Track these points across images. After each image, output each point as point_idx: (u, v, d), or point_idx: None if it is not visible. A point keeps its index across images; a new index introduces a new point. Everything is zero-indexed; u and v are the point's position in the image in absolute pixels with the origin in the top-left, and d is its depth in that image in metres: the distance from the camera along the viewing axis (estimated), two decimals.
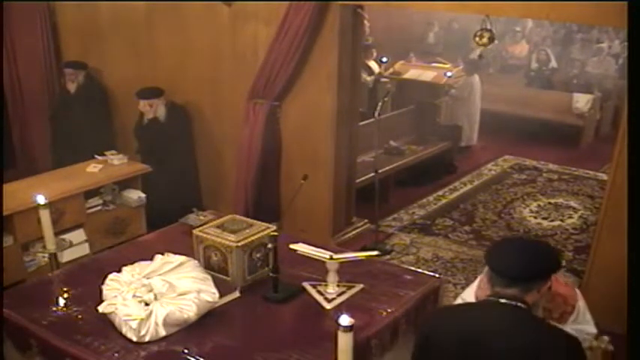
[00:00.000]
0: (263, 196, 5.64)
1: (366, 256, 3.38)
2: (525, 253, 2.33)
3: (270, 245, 3.14)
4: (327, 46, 5.12)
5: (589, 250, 4.86)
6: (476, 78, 8.58)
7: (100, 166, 5.53)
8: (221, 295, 3.07)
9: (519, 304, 2.24)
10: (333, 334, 2.46)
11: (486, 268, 2.39)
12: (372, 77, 8.24)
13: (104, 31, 6.41)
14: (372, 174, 5.73)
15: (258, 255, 3.29)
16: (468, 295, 2.90)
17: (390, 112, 7.75)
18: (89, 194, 5.32)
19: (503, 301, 2.26)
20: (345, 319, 2.38)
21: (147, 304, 2.89)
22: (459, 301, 2.97)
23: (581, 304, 2.85)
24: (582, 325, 2.88)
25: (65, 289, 3.27)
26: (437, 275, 3.56)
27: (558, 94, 9.75)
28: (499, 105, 9.32)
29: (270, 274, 3.19)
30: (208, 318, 2.98)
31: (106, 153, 5.66)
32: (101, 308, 2.93)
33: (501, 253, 2.36)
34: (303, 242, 3.42)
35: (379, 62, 8.36)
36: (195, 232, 3.36)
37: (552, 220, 6.58)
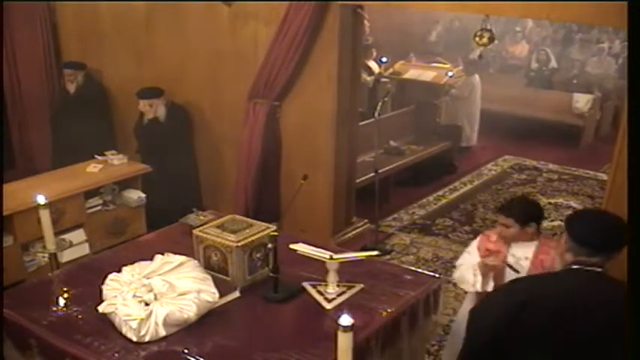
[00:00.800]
0: (263, 196, 5.64)
1: (366, 256, 3.38)
2: (608, 224, 2.48)
3: (270, 245, 3.14)
4: (327, 46, 5.12)
5: None
6: (476, 78, 8.58)
7: (100, 166, 5.54)
8: (221, 295, 3.07)
9: (602, 270, 2.41)
10: (333, 334, 2.46)
11: (565, 237, 2.48)
12: (372, 77, 8.23)
13: (104, 32, 6.41)
14: (372, 174, 5.73)
15: (258, 255, 3.29)
16: (473, 249, 3.35)
17: (390, 112, 7.75)
18: (89, 194, 5.32)
19: (589, 269, 2.41)
20: (345, 319, 2.38)
21: (147, 304, 2.89)
22: (465, 256, 3.41)
23: None
24: None
25: (65, 289, 3.27)
26: (437, 275, 3.56)
27: (558, 94, 9.75)
28: (499, 105, 9.32)
29: (270, 274, 3.19)
30: (208, 318, 2.98)
31: (106, 153, 5.66)
32: (101, 308, 2.93)
33: (585, 225, 2.49)
34: (303, 242, 3.42)
35: (379, 62, 8.36)
36: (195, 232, 3.36)
37: (552, 220, 6.57)
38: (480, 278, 3.29)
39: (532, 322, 2.36)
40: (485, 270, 3.29)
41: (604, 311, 2.34)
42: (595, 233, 2.44)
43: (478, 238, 3.58)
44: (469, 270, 3.35)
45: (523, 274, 3.21)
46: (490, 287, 3.27)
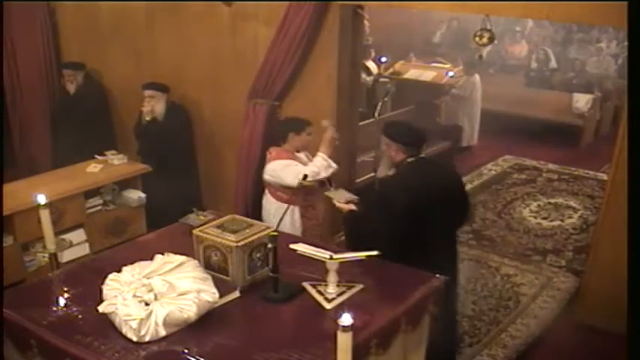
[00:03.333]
0: (263, 196, 5.63)
1: (366, 256, 3.38)
2: (414, 127, 3.90)
3: (270, 245, 3.13)
4: (327, 46, 5.12)
5: (589, 250, 4.87)
6: (476, 78, 8.59)
7: (100, 166, 5.54)
8: (221, 295, 3.06)
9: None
10: (333, 334, 2.46)
11: (392, 145, 3.75)
12: (371, 77, 8.23)
13: (104, 31, 6.42)
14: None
15: (258, 255, 3.28)
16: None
17: (390, 112, 7.75)
18: (89, 194, 5.32)
19: (423, 156, 3.87)
20: (345, 319, 2.37)
21: (147, 304, 2.89)
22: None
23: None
24: None
25: (65, 289, 3.26)
26: (437, 275, 3.56)
27: (558, 94, 9.75)
28: (499, 105, 9.32)
29: (270, 274, 3.19)
30: (208, 318, 2.97)
31: (106, 153, 5.67)
32: (101, 308, 2.93)
33: (405, 131, 3.82)
34: (303, 242, 3.42)
35: (377, 62, 8.36)
36: (195, 232, 3.35)
37: (552, 220, 6.58)
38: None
39: (423, 201, 3.59)
40: (333, 141, 4.37)
41: (443, 180, 3.81)
42: (413, 134, 3.81)
43: (284, 161, 4.37)
44: (317, 162, 4.31)
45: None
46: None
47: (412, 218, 3.57)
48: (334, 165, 4.38)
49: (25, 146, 6.95)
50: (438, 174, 3.87)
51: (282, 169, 4.31)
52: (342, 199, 4.00)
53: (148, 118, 5.71)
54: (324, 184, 4.44)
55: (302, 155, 4.48)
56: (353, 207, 3.92)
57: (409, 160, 3.74)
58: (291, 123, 4.56)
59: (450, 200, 3.75)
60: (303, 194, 4.41)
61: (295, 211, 4.45)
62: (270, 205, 4.54)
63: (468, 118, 8.62)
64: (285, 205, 3.92)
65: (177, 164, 5.80)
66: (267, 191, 4.60)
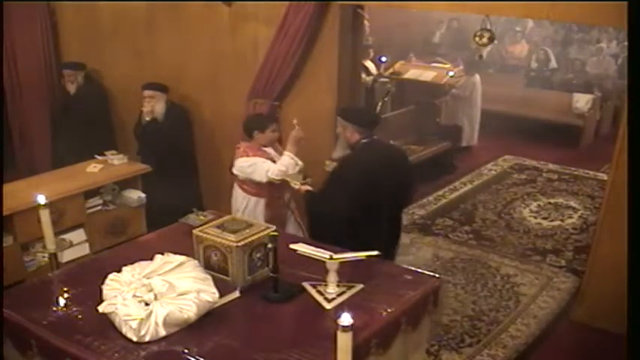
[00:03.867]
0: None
1: (366, 256, 3.38)
2: (365, 109, 4.43)
3: (270, 245, 3.14)
4: (327, 46, 5.12)
5: (589, 250, 4.87)
6: (476, 78, 8.58)
7: (100, 166, 5.54)
8: (221, 295, 3.07)
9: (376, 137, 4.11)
10: (333, 334, 2.46)
11: (347, 127, 4.04)
12: (370, 77, 8.22)
13: (104, 32, 6.41)
14: None
15: (258, 255, 3.29)
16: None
17: (390, 112, 7.75)
18: (89, 194, 5.32)
19: (376, 137, 4.09)
20: (345, 319, 2.38)
21: (147, 304, 2.89)
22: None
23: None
24: None
25: (65, 289, 3.26)
26: (437, 275, 3.56)
27: (558, 94, 9.75)
28: (499, 105, 9.32)
29: (270, 274, 3.19)
30: (208, 318, 2.98)
31: (106, 153, 5.66)
32: (101, 308, 2.93)
33: (359, 114, 4.30)
34: (303, 242, 3.42)
35: (377, 62, 8.34)
36: (195, 232, 3.36)
37: (552, 220, 6.58)
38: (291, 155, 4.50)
39: (374, 179, 3.90)
40: (298, 139, 4.50)
41: (394, 160, 4.17)
42: (367, 116, 4.27)
43: (251, 159, 4.54)
44: (284, 162, 4.48)
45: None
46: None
47: (366, 196, 3.87)
48: (300, 163, 4.54)
49: (25, 146, 6.95)
50: (389, 154, 4.25)
51: (249, 167, 4.52)
52: (299, 182, 4.32)
53: (147, 119, 5.71)
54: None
55: (270, 150, 4.66)
56: (309, 188, 4.24)
57: (364, 140, 4.02)
58: (255, 121, 4.77)
59: (398, 178, 4.12)
60: (269, 188, 4.60)
61: (260, 203, 4.68)
62: (238, 195, 4.77)
63: (467, 118, 8.61)
64: (250, 197, 4.60)
65: (177, 164, 5.80)
66: (235, 183, 4.80)
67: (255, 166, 4.50)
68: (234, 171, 4.65)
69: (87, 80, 6.42)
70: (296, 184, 4.33)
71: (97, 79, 6.59)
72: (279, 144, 4.82)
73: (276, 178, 4.45)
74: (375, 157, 4.01)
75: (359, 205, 3.85)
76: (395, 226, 4.37)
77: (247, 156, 4.55)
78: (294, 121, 4.58)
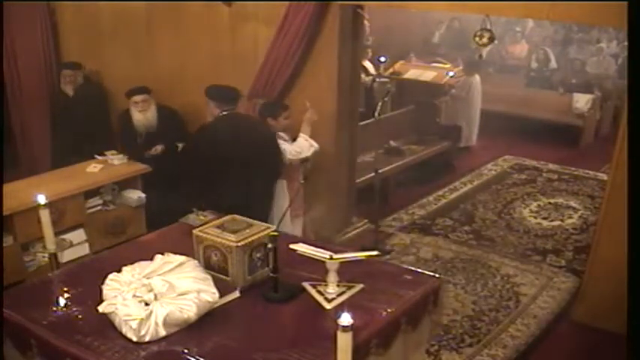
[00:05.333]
0: None
1: (366, 256, 3.38)
2: (225, 87, 4.69)
3: (270, 245, 3.14)
4: (327, 46, 5.12)
5: (589, 250, 4.87)
6: (476, 78, 8.58)
7: (100, 166, 5.53)
8: (221, 295, 3.07)
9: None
10: (333, 334, 2.46)
11: (212, 103, 4.59)
12: (369, 78, 8.22)
13: (104, 32, 6.42)
14: (372, 174, 5.73)
15: (258, 255, 3.29)
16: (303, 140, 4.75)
17: (390, 112, 7.74)
18: (89, 194, 5.32)
19: (237, 112, 4.62)
20: (345, 319, 2.38)
21: (147, 304, 2.89)
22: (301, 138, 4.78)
23: None
24: None
25: (65, 289, 3.26)
26: (437, 275, 3.56)
27: (558, 94, 9.74)
28: (499, 105, 9.31)
29: (270, 274, 3.19)
30: (208, 318, 2.98)
31: (106, 153, 5.66)
32: (101, 308, 2.93)
33: (219, 90, 4.66)
34: (303, 242, 3.42)
35: (375, 62, 8.34)
36: (195, 232, 3.36)
37: (552, 220, 6.58)
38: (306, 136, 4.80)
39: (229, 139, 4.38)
40: (311, 121, 4.79)
41: (249, 130, 4.56)
42: (227, 92, 4.64)
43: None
44: (299, 143, 4.77)
45: None
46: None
47: (215, 158, 4.34)
48: (316, 145, 4.78)
49: (25, 146, 6.94)
50: (247, 125, 4.63)
51: None
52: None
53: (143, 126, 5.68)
54: (306, 160, 4.89)
55: (283, 135, 4.82)
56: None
57: (223, 114, 4.53)
58: (268, 108, 4.93)
59: (255, 148, 4.46)
60: (287, 169, 4.80)
61: (284, 184, 4.87)
62: None
63: (467, 118, 8.61)
64: None
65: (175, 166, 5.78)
66: None
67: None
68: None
69: (86, 80, 6.42)
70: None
71: (97, 79, 6.59)
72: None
73: (293, 159, 4.70)
74: (228, 126, 4.49)
75: (208, 166, 4.37)
76: (260, 191, 4.57)
77: None
78: (308, 104, 4.75)
